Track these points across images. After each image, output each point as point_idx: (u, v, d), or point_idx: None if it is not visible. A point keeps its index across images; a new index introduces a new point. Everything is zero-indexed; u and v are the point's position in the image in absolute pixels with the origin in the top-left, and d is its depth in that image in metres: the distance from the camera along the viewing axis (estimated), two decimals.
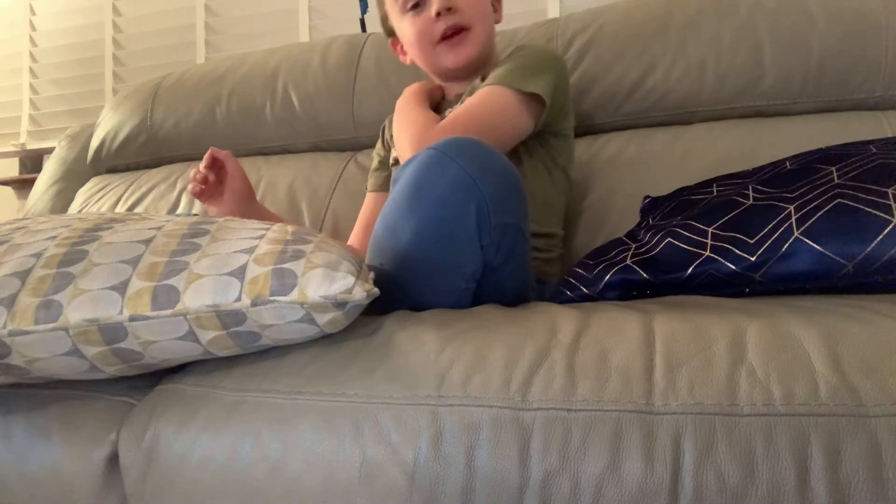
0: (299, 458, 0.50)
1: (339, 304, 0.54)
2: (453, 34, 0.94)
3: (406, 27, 0.97)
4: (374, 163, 1.14)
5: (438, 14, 0.92)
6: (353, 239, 1.09)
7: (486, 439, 0.46)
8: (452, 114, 0.88)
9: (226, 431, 0.53)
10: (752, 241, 0.65)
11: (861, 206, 0.61)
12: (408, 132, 0.90)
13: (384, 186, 1.09)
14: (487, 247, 0.67)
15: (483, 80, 0.95)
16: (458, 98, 1.00)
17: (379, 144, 1.15)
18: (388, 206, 0.70)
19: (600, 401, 0.45)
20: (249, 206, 1.05)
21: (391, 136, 1.11)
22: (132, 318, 0.53)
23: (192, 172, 1.01)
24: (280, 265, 0.55)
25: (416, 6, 0.95)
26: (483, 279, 0.69)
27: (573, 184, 1.04)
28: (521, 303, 0.74)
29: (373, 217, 1.08)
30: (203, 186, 1.00)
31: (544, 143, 0.95)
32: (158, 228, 0.62)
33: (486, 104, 0.86)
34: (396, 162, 1.03)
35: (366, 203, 1.12)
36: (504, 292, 0.72)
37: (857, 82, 1.04)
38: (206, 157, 1.01)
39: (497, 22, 1.02)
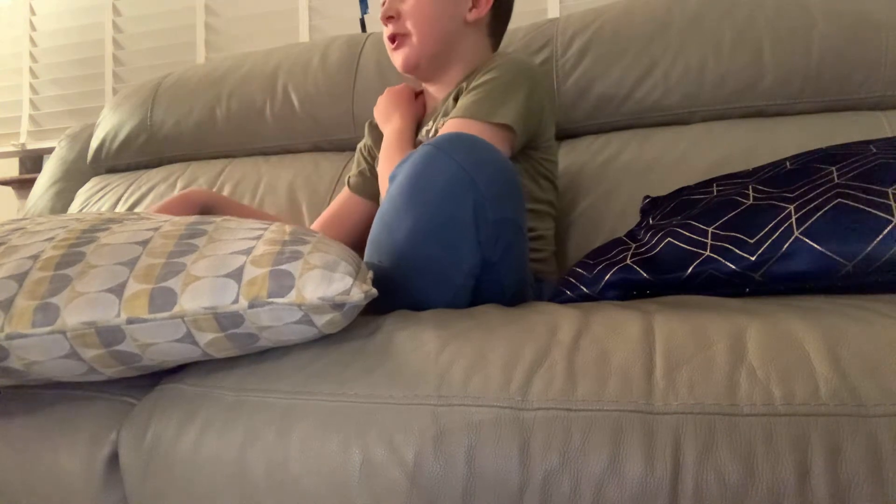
0: (299, 459, 0.50)
1: (337, 306, 0.54)
2: (394, 40, 0.97)
3: None
4: (359, 164, 1.13)
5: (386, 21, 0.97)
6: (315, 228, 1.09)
7: (486, 439, 0.46)
8: None
9: (226, 431, 0.53)
10: (752, 241, 0.65)
11: (861, 206, 0.61)
12: None
13: (361, 191, 1.10)
14: (485, 242, 0.67)
15: (459, 95, 0.94)
16: (437, 110, 1.00)
17: (362, 145, 1.14)
18: (385, 204, 0.70)
19: (600, 401, 0.45)
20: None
21: (373, 143, 1.11)
22: (130, 321, 0.53)
23: None
24: (277, 266, 0.55)
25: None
26: (481, 275, 0.69)
27: (560, 191, 1.04)
28: (519, 299, 0.74)
29: (340, 211, 1.09)
30: None
31: (527, 156, 0.95)
32: (155, 230, 0.62)
33: None
34: None
35: (339, 196, 1.12)
36: (502, 289, 0.72)
37: (857, 82, 1.04)
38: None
39: (475, 18, 0.97)
